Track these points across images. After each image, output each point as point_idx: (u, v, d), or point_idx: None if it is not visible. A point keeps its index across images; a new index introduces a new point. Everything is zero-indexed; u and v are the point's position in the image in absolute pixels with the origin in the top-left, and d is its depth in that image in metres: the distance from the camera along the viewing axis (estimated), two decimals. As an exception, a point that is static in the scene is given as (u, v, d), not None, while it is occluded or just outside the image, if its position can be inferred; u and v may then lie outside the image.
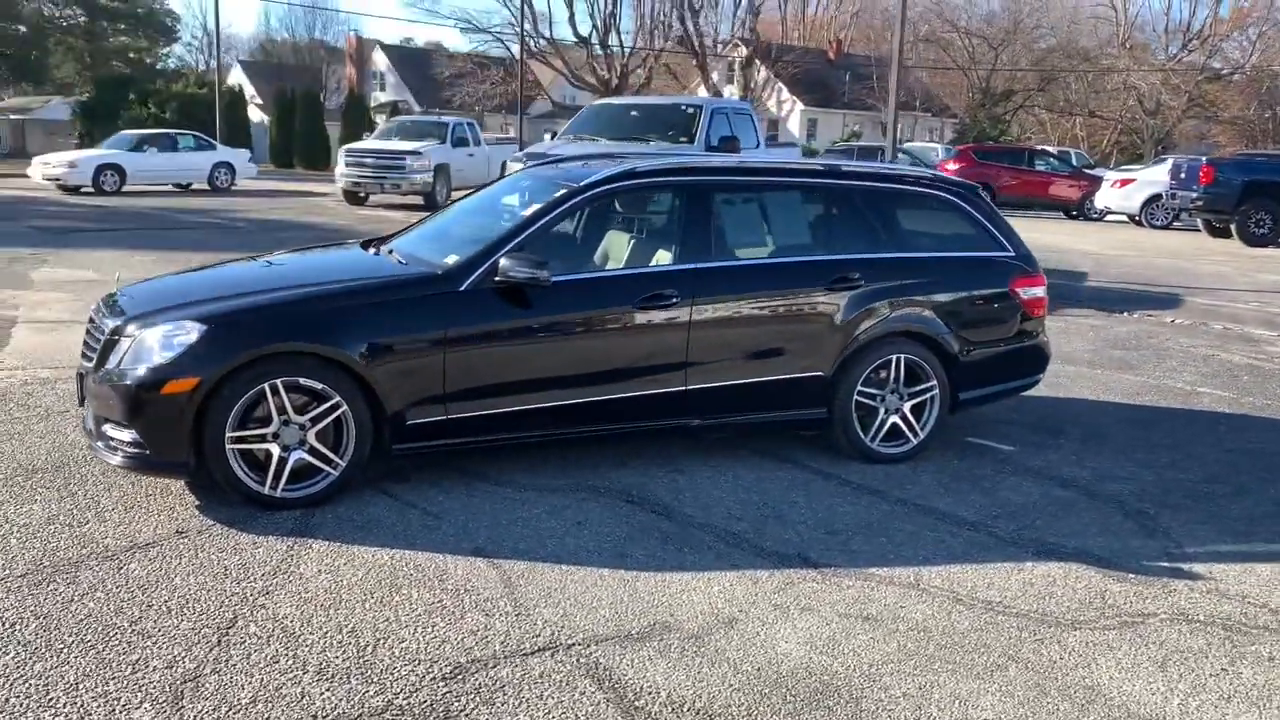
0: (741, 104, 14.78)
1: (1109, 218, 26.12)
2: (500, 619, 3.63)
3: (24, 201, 20.27)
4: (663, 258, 5.18)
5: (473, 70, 47.77)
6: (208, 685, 3.13)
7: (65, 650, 3.29)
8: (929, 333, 5.50)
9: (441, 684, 3.20)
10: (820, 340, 5.30)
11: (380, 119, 41.72)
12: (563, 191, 5.06)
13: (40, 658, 3.24)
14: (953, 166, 27.01)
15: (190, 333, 4.35)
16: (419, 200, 21.25)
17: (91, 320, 4.86)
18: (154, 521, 4.35)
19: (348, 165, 21.18)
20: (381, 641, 3.44)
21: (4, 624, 3.44)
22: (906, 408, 5.53)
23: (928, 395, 5.56)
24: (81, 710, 2.97)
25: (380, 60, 60.91)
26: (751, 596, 3.92)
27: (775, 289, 5.25)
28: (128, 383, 4.33)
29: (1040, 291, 5.87)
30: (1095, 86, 53.88)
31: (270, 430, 4.42)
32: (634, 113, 13.27)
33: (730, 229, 5.34)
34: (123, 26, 61.13)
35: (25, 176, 24.29)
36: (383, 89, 59.83)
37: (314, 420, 4.48)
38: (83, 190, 22.66)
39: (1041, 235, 20.91)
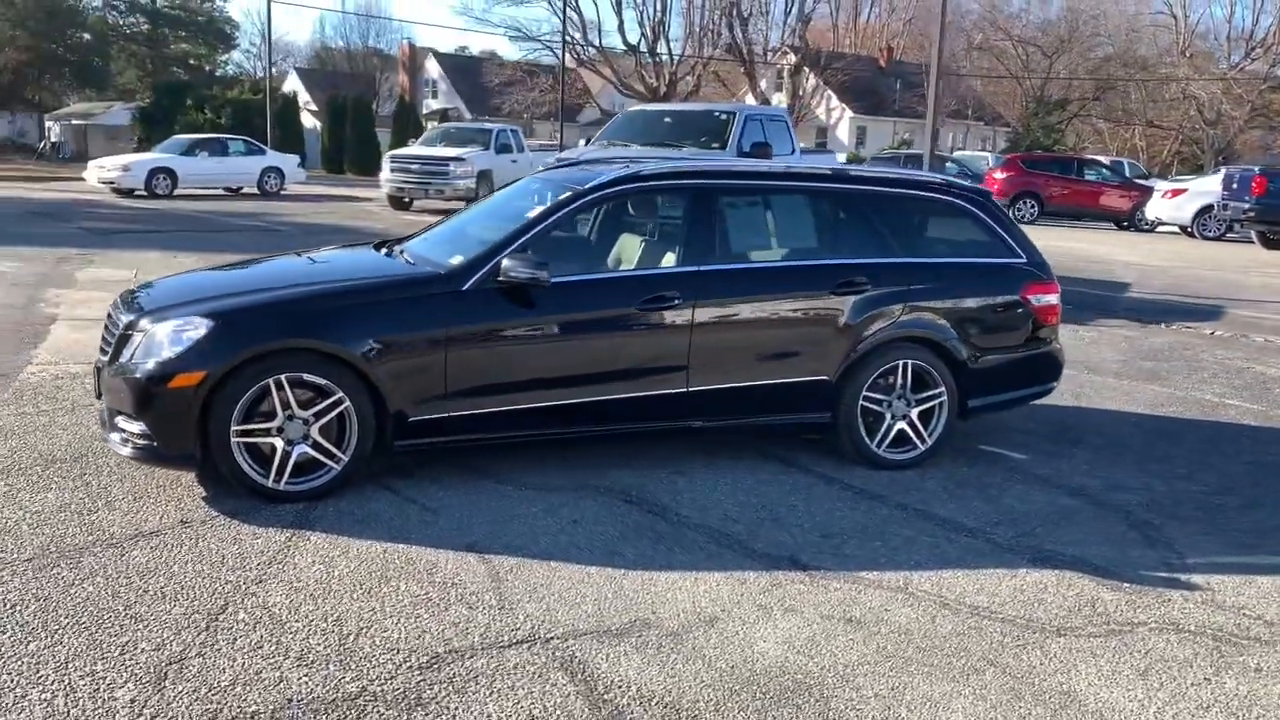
0: (776, 110, 14.78)
1: (1160, 229, 25.69)
2: (483, 612, 3.69)
3: (78, 204, 20.81)
4: (666, 260, 5.22)
5: (522, 78, 48.20)
6: (191, 667, 3.22)
7: (60, 631, 3.40)
8: (937, 339, 5.48)
9: (417, 672, 3.27)
10: (824, 344, 5.30)
11: (432, 125, 42.24)
12: (567, 194, 5.13)
13: (35, 637, 3.36)
14: (1000, 176, 26.77)
15: (198, 328, 4.47)
16: (462, 205, 21.46)
17: (109, 316, 5.01)
18: (161, 511, 4.47)
19: (393, 171, 21.48)
20: (364, 630, 3.52)
21: (5, 605, 3.56)
22: (914, 414, 5.52)
23: (936, 402, 5.53)
24: (68, 687, 3.08)
25: (433, 68, 61.64)
26: (736, 596, 3.94)
27: (779, 292, 5.26)
28: (138, 376, 4.46)
29: (1053, 299, 5.82)
30: (1154, 96, 53.00)
31: (275, 425, 4.53)
32: (667, 119, 13.34)
33: (735, 232, 5.37)
34: (183, 34, 62.60)
35: (82, 180, 24.92)
36: (435, 96, 60.54)
37: (317, 415, 4.58)
38: (136, 193, 23.20)
39: (1088, 245, 20.67)
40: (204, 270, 6.13)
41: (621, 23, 47.06)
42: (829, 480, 5.32)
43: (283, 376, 4.49)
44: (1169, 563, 4.48)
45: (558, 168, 6.63)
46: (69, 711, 2.96)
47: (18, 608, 3.55)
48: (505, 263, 4.75)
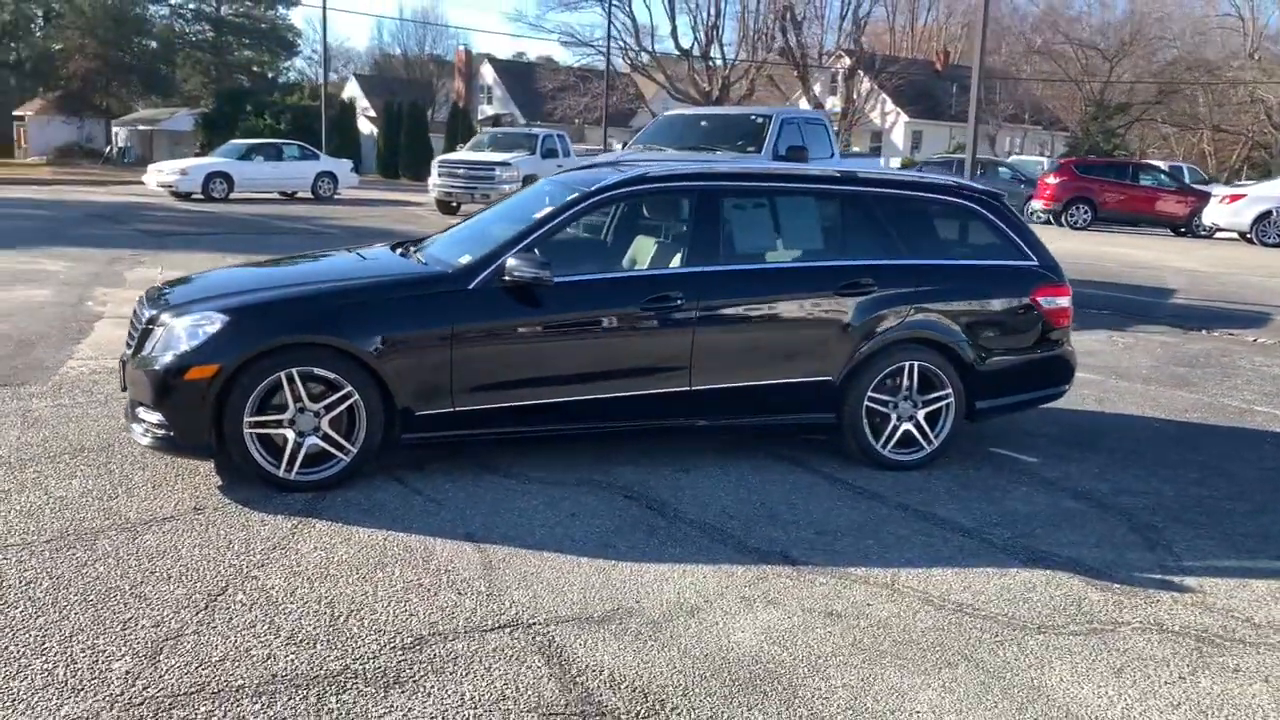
0: (815, 114, 14.78)
1: (1219, 235, 25.16)
2: (471, 598, 3.82)
3: (136, 206, 21.43)
4: (671, 260, 5.32)
5: (574, 83, 48.55)
6: (186, 643, 3.39)
7: (68, 607, 3.59)
8: (944, 340, 5.51)
9: (399, 653, 3.39)
10: (829, 345, 5.35)
11: (482, 131, 42.74)
12: (574, 195, 5.24)
13: (45, 613, 3.55)
14: (1053, 181, 26.45)
15: (214, 323, 4.66)
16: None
17: (135, 312, 5.23)
18: (176, 498, 4.66)
19: (440, 176, 21.82)
20: (354, 613, 3.66)
21: (21, 583, 3.76)
22: (920, 415, 5.54)
23: (943, 403, 5.56)
24: (69, 659, 3.25)
25: (488, 74, 62.31)
26: (721, 588, 4.02)
27: (782, 293, 5.33)
28: (156, 368, 4.66)
29: (1064, 302, 5.81)
30: (1221, 99, 51.88)
31: (286, 417, 4.70)
32: (703, 123, 13.42)
33: (739, 233, 5.45)
34: (247, 41, 63.91)
35: (143, 183, 25.63)
36: (490, 102, 61.19)
37: (328, 408, 4.74)
38: (193, 197, 23.83)
39: (1139, 251, 20.37)
40: (226, 268, 6.34)
41: (675, 27, 47.25)
42: (833, 480, 5.37)
43: (294, 370, 4.66)
44: (1164, 565, 4.47)
45: (574, 170, 6.75)
46: (67, 681, 3.13)
47: (32, 585, 3.75)
48: (510, 262, 4.88)
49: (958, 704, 3.27)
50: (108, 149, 51.84)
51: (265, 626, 3.53)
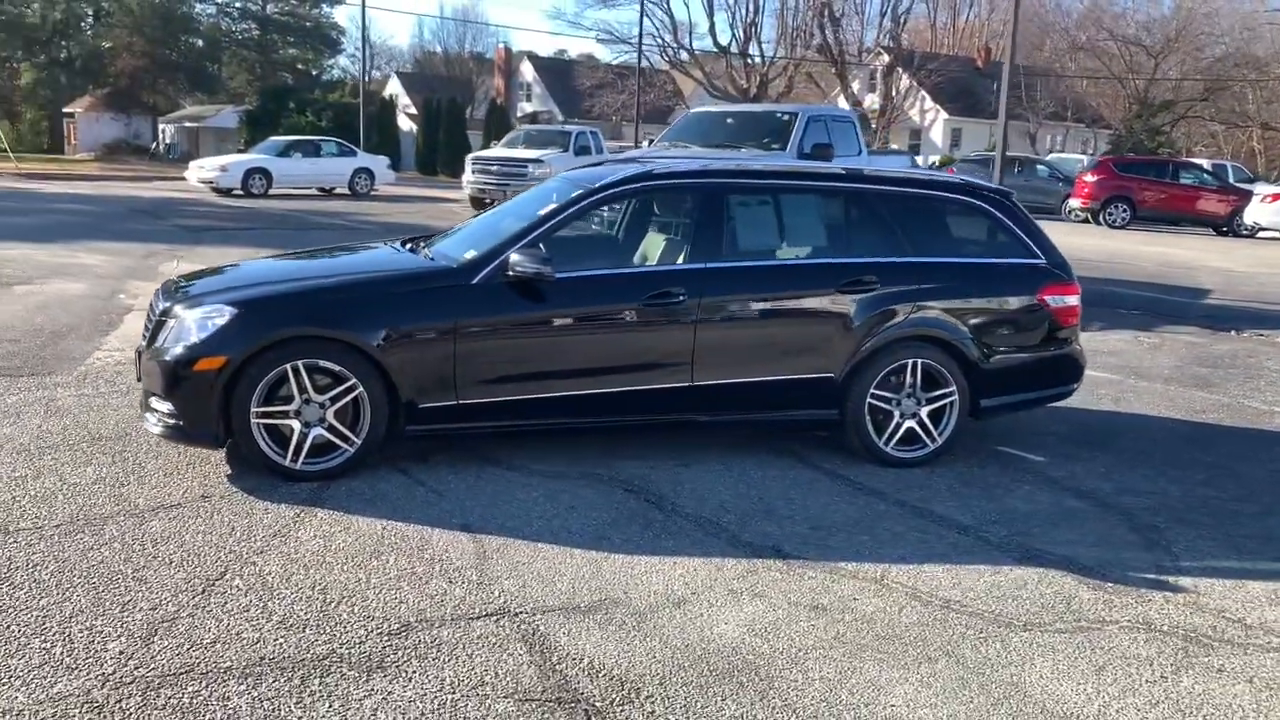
0: (843, 111, 14.71)
1: (1261, 235, 24.76)
2: (461, 586, 3.89)
3: (176, 202, 21.81)
4: (673, 257, 5.37)
5: (613, 80, 48.68)
6: (180, 626, 3.49)
7: (70, 590, 3.71)
8: (948, 338, 5.51)
9: (385, 638, 3.48)
10: (831, 342, 5.37)
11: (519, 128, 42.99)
12: (578, 192, 5.31)
13: (48, 594, 3.67)
14: (1091, 179, 26.19)
15: (223, 315, 4.78)
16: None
17: (150, 304, 5.36)
18: (185, 486, 4.79)
19: (475, 172, 22.00)
20: (346, 599, 3.74)
21: (28, 566, 3.89)
22: (924, 413, 5.55)
23: (947, 401, 5.55)
24: (67, 639, 3.37)
25: (527, 71, 62.58)
26: (710, 581, 4.06)
27: (784, 290, 5.36)
28: (167, 359, 4.78)
29: (1073, 300, 5.78)
30: (1270, 96, 50.86)
31: (292, 408, 4.81)
32: (730, 120, 13.44)
33: (742, 230, 5.48)
34: (292, 39, 64.72)
35: (185, 179, 26.06)
36: (529, 99, 61.45)
37: (333, 400, 4.84)
38: (233, 193, 24.18)
39: (1177, 251, 20.11)
40: (243, 261, 6.48)
41: (713, 24, 47.12)
42: (834, 476, 5.39)
43: (300, 362, 4.77)
44: (1160, 565, 4.45)
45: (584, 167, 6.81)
46: (63, 660, 3.24)
47: (38, 568, 3.87)
48: (513, 258, 4.96)
49: (933, 698, 3.30)
50: (153, 145, 52.75)
51: (258, 611, 3.62)
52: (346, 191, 26.44)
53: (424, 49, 75.81)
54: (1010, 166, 29.84)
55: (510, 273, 4.96)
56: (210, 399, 4.71)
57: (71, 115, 56.97)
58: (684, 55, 48.06)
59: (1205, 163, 31.44)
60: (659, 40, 47.64)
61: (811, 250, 5.70)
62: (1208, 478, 5.68)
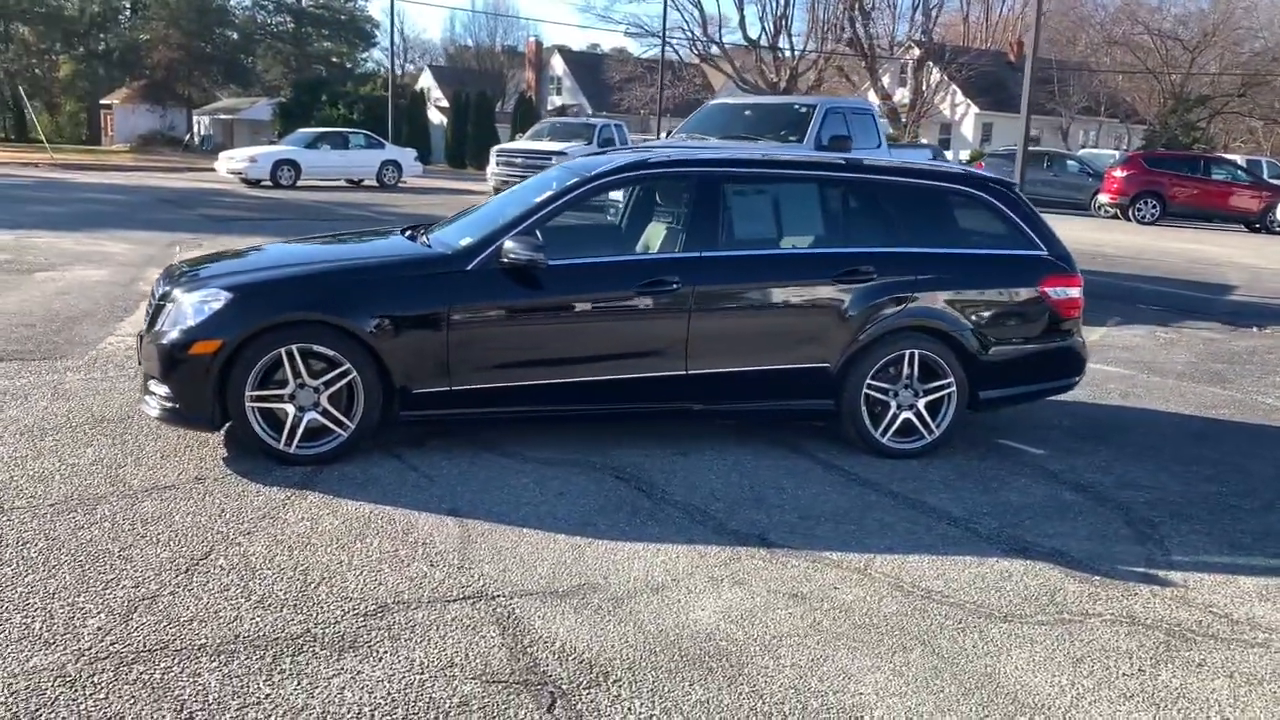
0: (862, 103, 14.58)
1: (1295, 231, 24.40)
2: (442, 570, 3.92)
3: (205, 193, 22.04)
4: (668, 245, 5.37)
5: (642, 74, 48.64)
6: (160, 604, 3.54)
7: (57, 567, 3.77)
8: (946, 329, 5.47)
9: (360, 619, 3.51)
10: (827, 332, 5.35)
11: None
12: (575, 179, 5.31)
13: (35, 571, 3.73)
14: (1120, 174, 25.89)
15: (219, 300, 4.83)
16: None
17: (152, 289, 5.43)
18: (181, 468, 4.85)
19: (498, 164, 22.01)
20: (326, 580, 3.78)
21: (19, 543, 3.95)
22: (921, 404, 5.51)
23: (944, 392, 5.52)
24: (47, 614, 3.42)
25: (558, 65, 62.66)
26: (691, 568, 4.06)
27: (779, 279, 5.34)
28: (164, 342, 4.84)
29: (1075, 292, 5.72)
30: (1309, 91, 49.97)
31: (287, 392, 4.85)
32: (748, 112, 13.36)
33: (739, 219, 5.46)
34: (326, 32, 65.19)
35: (215, 170, 26.33)
36: (559, 93, 61.56)
37: (327, 385, 4.88)
38: (262, 184, 24.40)
39: (1206, 247, 19.85)
40: (246, 248, 6.52)
41: (743, 18, 46.81)
42: (828, 466, 5.37)
43: (294, 347, 4.81)
44: (1151, 559, 4.40)
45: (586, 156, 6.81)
46: (42, 635, 3.29)
47: (28, 545, 3.94)
48: (507, 244, 4.97)
49: (903, 687, 3.28)
50: (187, 137, 53.32)
51: (238, 590, 3.67)
52: (374, 183, 26.61)
53: (455, 43, 76.13)
54: (1040, 161, 29.56)
55: (504, 259, 4.98)
56: (206, 382, 4.76)
57: (109, 107, 57.75)
58: (714, 49, 47.94)
59: (1239, 158, 30.98)
60: (688, 34, 47.60)
61: (808, 240, 5.67)
62: (1212, 473, 5.61)
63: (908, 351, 5.45)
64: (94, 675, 3.08)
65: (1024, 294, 5.64)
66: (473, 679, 3.17)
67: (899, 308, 5.40)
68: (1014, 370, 5.66)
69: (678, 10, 46.10)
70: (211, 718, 2.91)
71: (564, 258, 5.11)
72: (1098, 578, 4.18)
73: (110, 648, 3.23)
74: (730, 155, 5.85)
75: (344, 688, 3.09)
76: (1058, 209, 27.76)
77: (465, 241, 5.18)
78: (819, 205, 5.60)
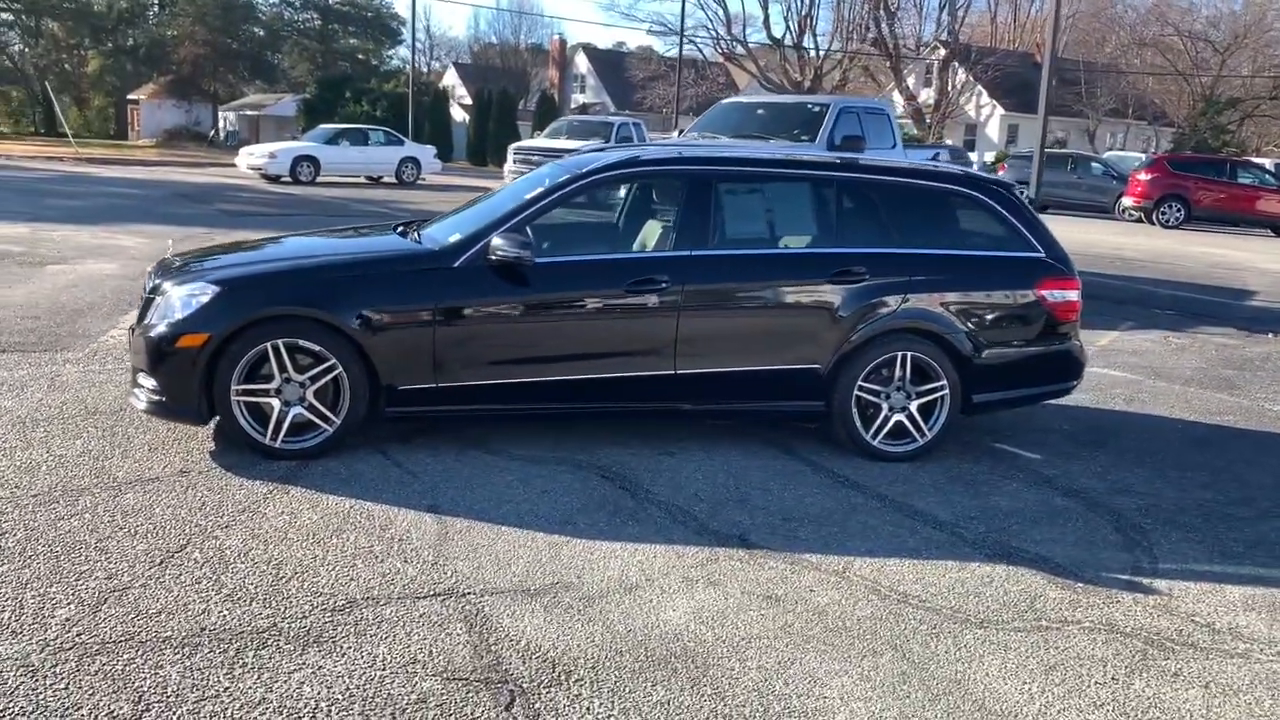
0: (877, 103, 14.49)
1: (1322, 236, 24.07)
2: (415, 566, 3.91)
3: (224, 188, 22.18)
4: (659, 243, 5.34)
5: (665, 72, 48.58)
6: (131, 596, 3.55)
7: (32, 558, 3.78)
8: (939, 331, 5.41)
9: (327, 614, 3.50)
10: (818, 333, 5.31)
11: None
12: (565, 177, 5.29)
13: (9, 561, 3.75)
14: (1144, 177, 25.63)
15: (206, 294, 4.84)
16: (581, 196, 21.89)
17: (144, 283, 5.45)
18: (167, 461, 4.86)
19: (516, 162, 22.00)
20: (298, 575, 3.78)
21: (-2, 533, 3.98)
22: (914, 407, 5.46)
23: (937, 395, 5.46)
24: (17, 604, 3.44)
25: (582, 63, 62.72)
26: (667, 568, 4.04)
27: (770, 279, 5.30)
28: (152, 335, 4.86)
29: (1072, 295, 5.64)
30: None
31: (273, 386, 4.86)
32: (760, 111, 13.30)
33: (731, 219, 5.42)
34: (352, 29, 65.44)
35: (235, 165, 26.51)
36: (583, 91, 61.60)
37: (313, 379, 4.89)
38: (281, 180, 24.54)
39: (1229, 251, 19.62)
40: (239, 241, 6.52)
41: (767, 17, 46.76)
42: (817, 468, 5.33)
43: (279, 341, 4.81)
44: (1138, 566, 4.34)
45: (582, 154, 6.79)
46: (9, 624, 3.31)
47: (6, 535, 3.96)
48: (494, 241, 4.96)
49: (869, 691, 3.24)
50: (211, 132, 53.69)
51: (209, 584, 3.67)
52: (393, 180, 26.72)
53: (480, 40, 76.31)
54: (1063, 164, 29.33)
55: (491, 256, 4.97)
56: (193, 376, 4.78)
57: (136, 102, 58.24)
58: (738, 48, 47.81)
59: (1268, 162, 30.61)
60: (712, 32, 47.49)
61: (800, 240, 5.61)
62: (1210, 480, 5.53)
63: (900, 353, 5.40)
64: (56, 666, 3.09)
65: (1020, 296, 5.57)
66: (433, 676, 3.16)
67: (891, 309, 5.35)
68: (1009, 373, 5.60)
69: (702, 8, 46.08)
70: (168, 709, 2.91)
71: (553, 255, 5.09)
72: (1080, 584, 4.12)
73: (76, 639, 3.24)
74: (723, 154, 5.80)
75: (303, 683, 3.08)
76: (1081, 212, 27.53)
77: (454, 238, 5.17)
78: (812, 205, 5.55)
